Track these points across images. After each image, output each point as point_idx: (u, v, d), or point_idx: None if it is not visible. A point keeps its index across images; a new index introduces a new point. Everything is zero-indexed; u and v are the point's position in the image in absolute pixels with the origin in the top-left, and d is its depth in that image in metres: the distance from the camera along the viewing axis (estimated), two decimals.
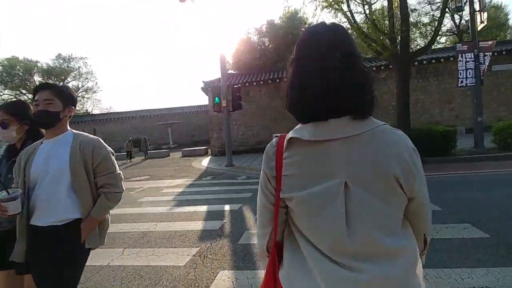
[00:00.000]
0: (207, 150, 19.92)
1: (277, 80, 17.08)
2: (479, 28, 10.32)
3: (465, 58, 9.80)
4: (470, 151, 9.55)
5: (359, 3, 10.73)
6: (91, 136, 1.85)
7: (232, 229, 4.48)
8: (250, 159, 13.94)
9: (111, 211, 1.89)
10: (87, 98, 45.56)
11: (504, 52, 15.16)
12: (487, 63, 9.92)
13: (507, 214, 4.05)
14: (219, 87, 13.07)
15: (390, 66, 12.71)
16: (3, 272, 1.84)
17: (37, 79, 40.39)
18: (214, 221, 4.93)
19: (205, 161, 15.17)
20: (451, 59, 14.78)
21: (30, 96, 40.14)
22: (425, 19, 19.83)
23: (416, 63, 14.66)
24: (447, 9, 12.03)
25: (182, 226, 4.78)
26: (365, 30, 10.74)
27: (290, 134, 0.83)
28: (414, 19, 17.50)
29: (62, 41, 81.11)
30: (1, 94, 39.35)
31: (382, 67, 14.94)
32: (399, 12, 10.15)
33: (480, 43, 9.89)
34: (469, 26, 10.60)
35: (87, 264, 1.78)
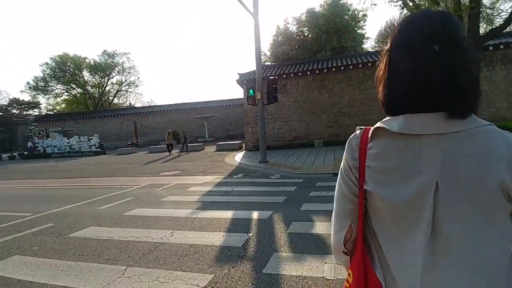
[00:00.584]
0: (241, 145, 19.32)
1: (317, 72, 15.82)
2: None
3: None
4: None
5: None
6: None
7: (258, 248, 3.63)
8: (285, 156, 13.00)
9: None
10: (130, 92, 47.52)
11: None
12: None
13: None
14: (254, 79, 12.28)
15: None
16: None
17: (86, 74, 42.84)
18: (237, 234, 4.12)
19: (238, 156, 14.51)
20: None
21: (80, 90, 42.96)
22: None
23: (481, 49, 12.59)
24: None
25: (200, 238, 4.04)
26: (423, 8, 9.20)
27: (377, 125, 0.77)
28: None
29: (107, 36, 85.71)
30: (54, 88, 42.31)
31: None
32: None
33: None
34: None
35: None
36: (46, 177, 12.61)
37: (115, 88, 45.58)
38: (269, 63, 24.32)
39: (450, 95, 0.68)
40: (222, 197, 6.59)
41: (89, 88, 43.46)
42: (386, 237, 0.76)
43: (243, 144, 18.63)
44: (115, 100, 47.47)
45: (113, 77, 44.23)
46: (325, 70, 15.70)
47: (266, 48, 30.44)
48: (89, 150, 24.67)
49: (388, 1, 9.80)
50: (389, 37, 0.78)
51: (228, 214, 5.16)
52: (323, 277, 2.83)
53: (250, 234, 4.08)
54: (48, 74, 40.27)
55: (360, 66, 15.19)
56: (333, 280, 2.77)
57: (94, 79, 43.17)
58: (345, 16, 28.09)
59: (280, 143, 16.32)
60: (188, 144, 20.94)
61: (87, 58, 42.63)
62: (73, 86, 42.59)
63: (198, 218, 5.06)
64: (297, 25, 29.44)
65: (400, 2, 9.01)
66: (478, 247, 0.66)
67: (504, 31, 17.93)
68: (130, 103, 48.41)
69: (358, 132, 0.82)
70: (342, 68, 15.43)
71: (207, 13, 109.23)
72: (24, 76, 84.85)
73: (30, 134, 31.40)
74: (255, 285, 2.77)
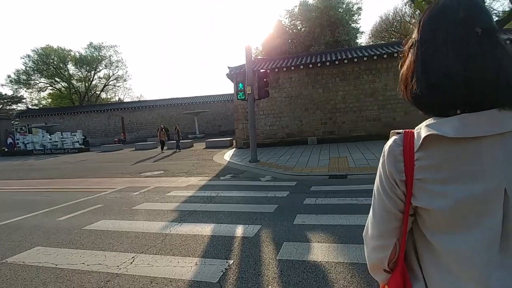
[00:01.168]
0: (232, 142, 18.46)
1: (310, 66, 14.99)
2: None
3: None
4: None
5: None
6: None
7: (238, 285, 2.80)
8: (277, 154, 12.20)
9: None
10: (118, 86, 46.01)
11: None
12: None
13: None
14: (244, 72, 11.42)
15: None
16: None
17: (71, 67, 41.20)
18: (214, 262, 3.28)
19: (228, 155, 13.66)
20: None
21: (65, 84, 41.31)
22: None
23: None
24: None
25: (166, 268, 3.18)
26: None
27: (426, 131, 0.66)
28: None
29: (93, 29, 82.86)
30: (38, 82, 40.58)
31: None
32: None
33: None
34: None
35: None
36: (15, 177, 11.55)
37: (102, 82, 44.01)
38: (261, 57, 23.43)
39: (504, 85, 0.61)
40: (204, 205, 5.74)
41: (74, 82, 41.77)
42: (438, 251, 0.68)
43: (234, 141, 17.78)
44: (103, 95, 45.93)
45: (100, 70, 42.63)
46: (319, 64, 14.88)
47: (258, 43, 29.51)
48: (71, 147, 23.44)
49: None
50: (414, 29, 0.72)
51: (207, 230, 4.31)
52: None
53: (231, 262, 3.23)
54: (30, 67, 38.51)
55: (355, 60, 14.41)
56: None
57: (80, 72, 41.45)
58: (339, 9, 27.28)
59: (272, 140, 15.51)
60: (180, 141, 19.82)
61: (72, 51, 40.90)
62: (57, 80, 40.89)
63: (171, 234, 4.20)
64: (290, 18, 28.54)
65: None
66: None
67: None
68: (119, 98, 46.95)
69: (397, 138, 0.72)
70: (337, 62, 14.63)
71: (197, 4, 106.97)
72: (4, 68, 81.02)
73: (13, 129, 29.93)
74: None
